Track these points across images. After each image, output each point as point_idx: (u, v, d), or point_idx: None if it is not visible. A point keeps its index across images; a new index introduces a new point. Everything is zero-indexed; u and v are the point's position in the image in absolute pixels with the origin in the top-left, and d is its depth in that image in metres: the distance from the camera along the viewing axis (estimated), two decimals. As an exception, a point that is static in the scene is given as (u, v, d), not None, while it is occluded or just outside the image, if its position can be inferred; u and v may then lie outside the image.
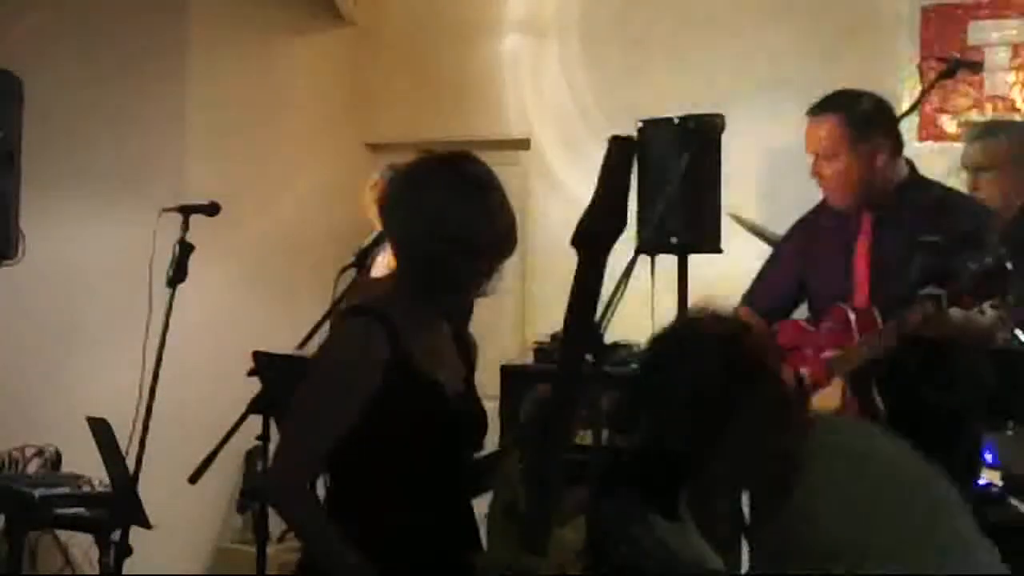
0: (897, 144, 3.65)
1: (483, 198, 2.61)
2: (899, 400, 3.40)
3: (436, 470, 2.66)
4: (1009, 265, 3.20)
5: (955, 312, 3.26)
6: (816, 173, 3.68)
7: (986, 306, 3.30)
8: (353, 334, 2.65)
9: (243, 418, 4.01)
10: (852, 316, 3.50)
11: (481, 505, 2.68)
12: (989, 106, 5.19)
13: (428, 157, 2.71)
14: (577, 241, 2.33)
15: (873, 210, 3.61)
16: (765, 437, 2.32)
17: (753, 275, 4.07)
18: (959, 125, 5.22)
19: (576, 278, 2.31)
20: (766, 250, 4.58)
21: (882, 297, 3.51)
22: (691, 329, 2.51)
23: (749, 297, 3.95)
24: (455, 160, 2.68)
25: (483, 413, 2.79)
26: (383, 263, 4.60)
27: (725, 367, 2.33)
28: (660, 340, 2.49)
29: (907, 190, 3.63)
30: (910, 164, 3.69)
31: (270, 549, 4.75)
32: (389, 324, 2.62)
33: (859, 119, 3.61)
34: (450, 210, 2.58)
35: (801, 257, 3.79)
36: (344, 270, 4.54)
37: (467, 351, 2.84)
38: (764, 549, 2.42)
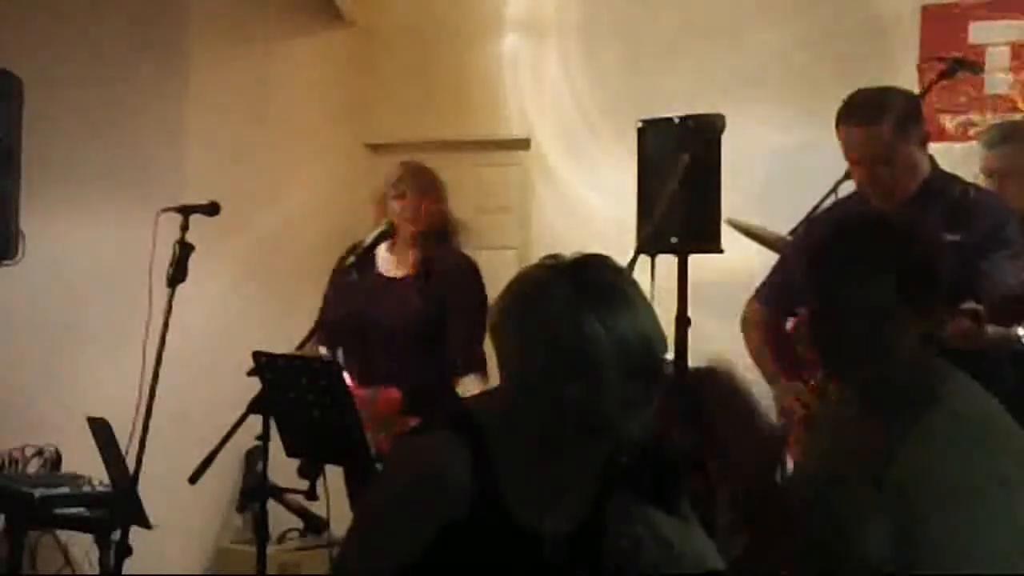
0: (927, 139, 3.64)
1: (604, 311, 2.11)
2: None
3: None
4: None
5: (990, 328, 3.21)
6: (866, 181, 3.62)
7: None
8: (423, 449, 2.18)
9: (243, 418, 4.01)
10: None
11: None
12: (989, 106, 5.19)
13: (546, 265, 2.20)
14: None
15: (897, 207, 3.57)
16: None
17: (753, 275, 4.07)
18: (958, 126, 5.21)
19: None
20: (767, 250, 4.58)
21: None
22: None
23: (760, 294, 3.93)
24: (576, 267, 2.17)
25: None
26: (388, 259, 4.60)
27: None
28: None
29: (930, 186, 3.60)
30: (931, 158, 3.68)
31: (270, 549, 4.75)
32: (477, 442, 2.14)
33: (904, 120, 3.57)
34: (563, 325, 2.09)
35: None
36: (348, 271, 4.55)
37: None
38: None
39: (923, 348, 2.35)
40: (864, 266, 2.34)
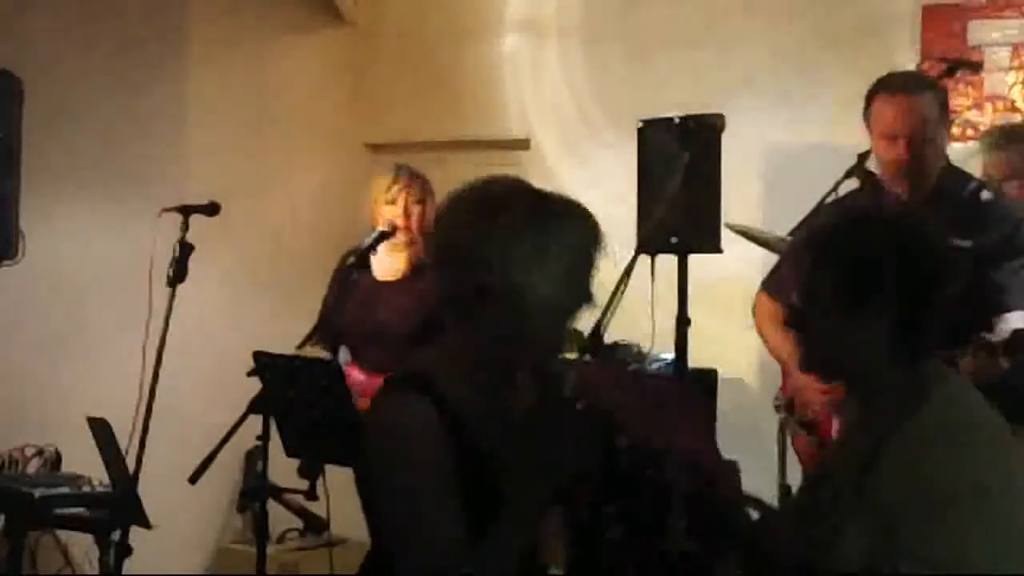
0: (949, 129, 3.56)
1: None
2: None
3: None
4: None
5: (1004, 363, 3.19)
6: (900, 153, 3.48)
7: None
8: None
9: (243, 418, 4.02)
10: None
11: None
12: (989, 106, 5.19)
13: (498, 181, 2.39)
14: None
15: (909, 205, 3.50)
16: None
17: (753, 275, 4.06)
18: (958, 126, 5.21)
19: None
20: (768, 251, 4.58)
21: None
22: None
23: (768, 284, 3.89)
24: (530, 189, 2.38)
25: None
26: (382, 263, 4.60)
27: None
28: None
29: (942, 183, 3.52)
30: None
31: (270, 549, 4.76)
32: (451, 415, 2.23)
33: (944, 99, 3.49)
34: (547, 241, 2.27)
35: None
36: (346, 271, 4.55)
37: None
38: None
39: (915, 348, 2.33)
40: (855, 267, 2.32)
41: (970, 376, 3.14)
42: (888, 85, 3.53)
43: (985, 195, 3.58)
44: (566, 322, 2.29)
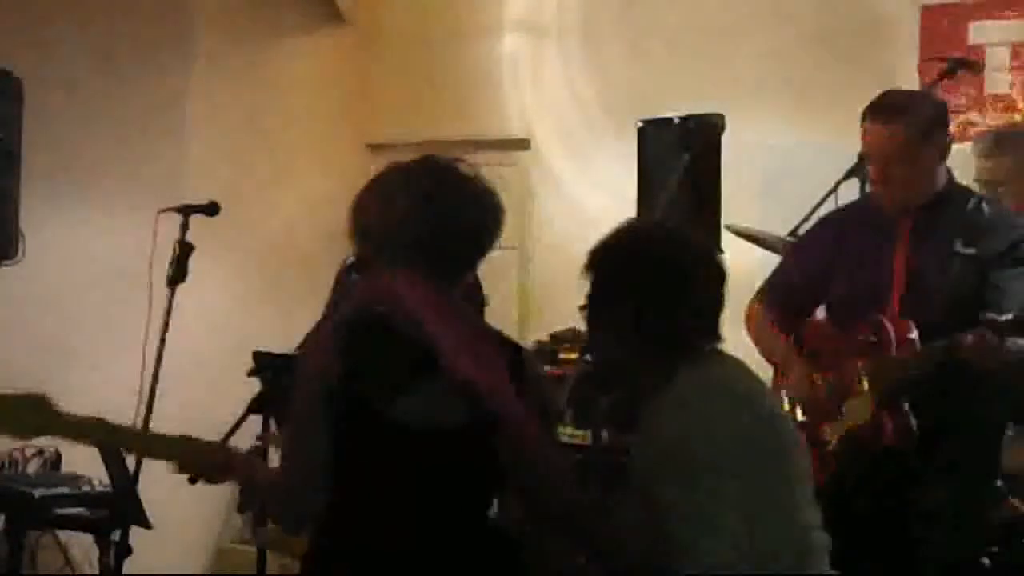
0: (948, 150, 3.60)
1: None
2: (935, 418, 3.35)
3: None
4: None
5: (1012, 342, 3.22)
6: (878, 178, 3.57)
7: None
8: None
9: (243, 418, 4.01)
10: (890, 327, 3.40)
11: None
12: (989, 106, 5.19)
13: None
14: None
15: (912, 216, 3.54)
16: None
17: (753, 275, 4.06)
18: (958, 126, 5.20)
19: None
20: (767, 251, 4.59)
21: (914, 308, 3.43)
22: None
23: (762, 294, 3.85)
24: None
25: None
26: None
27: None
28: None
29: (946, 197, 3.56)
30: (948, 171, 3.63)
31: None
32: None
33: (925, 124, 3.51)
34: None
35: (827, 257, 3.69)
36: (348, 271, 4.54)
37: None
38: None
39: (667, 343, 2.54)
40: (605, 272, 2.61)
41: (974, 357, 3.22)
42: (871, 110, 3.59)
43: (988, 208, 3.60)
44: None
